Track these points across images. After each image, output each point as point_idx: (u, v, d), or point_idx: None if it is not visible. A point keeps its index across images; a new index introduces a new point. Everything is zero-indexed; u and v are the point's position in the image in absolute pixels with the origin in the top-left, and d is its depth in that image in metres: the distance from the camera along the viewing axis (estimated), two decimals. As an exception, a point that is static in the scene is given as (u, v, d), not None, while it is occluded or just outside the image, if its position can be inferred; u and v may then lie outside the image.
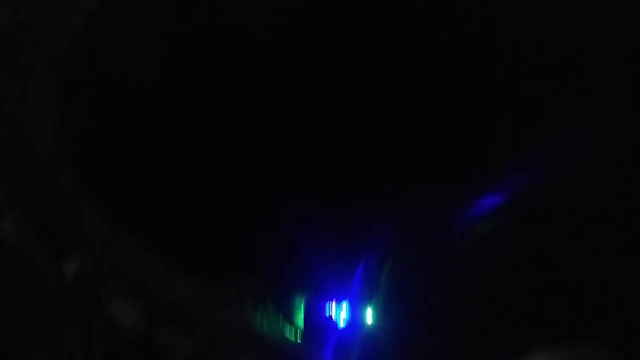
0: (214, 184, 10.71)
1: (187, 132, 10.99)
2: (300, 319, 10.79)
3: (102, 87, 9.38)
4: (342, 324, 10.35)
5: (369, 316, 10.30)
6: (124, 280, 6.98)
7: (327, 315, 10.62)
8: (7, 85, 8.36)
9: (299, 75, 10.74)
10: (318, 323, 10.67)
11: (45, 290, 5.69)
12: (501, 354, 7.77)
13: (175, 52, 10.29)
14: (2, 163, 7.23)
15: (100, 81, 9.44)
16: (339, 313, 10.51)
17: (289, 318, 10.61)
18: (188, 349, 6.42)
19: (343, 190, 10.63)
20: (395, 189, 10.24)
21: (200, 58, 10.65)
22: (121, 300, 6.51)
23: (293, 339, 10.02)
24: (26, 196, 7.04)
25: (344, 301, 10.67)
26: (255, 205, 10.38)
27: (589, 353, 6.39)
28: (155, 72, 10.03)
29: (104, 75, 9.54)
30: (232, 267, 9.46)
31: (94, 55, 9.88)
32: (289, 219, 9.84)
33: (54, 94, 8.68)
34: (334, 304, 10.79)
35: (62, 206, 7.58)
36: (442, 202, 10.08)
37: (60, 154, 8.28)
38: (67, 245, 6.84)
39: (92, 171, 8.50)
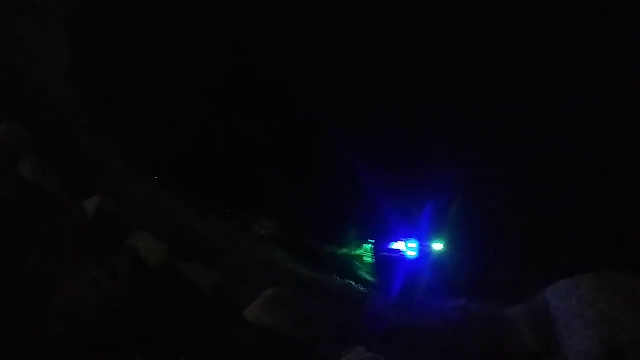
0: (246, 120, 10.62)
1: (215, 68, 10.97)
2: (370, 254, 10.71)
3: (113, 32, 9.68)
4: (410, 257, 10.16)
5: (436, 250, 10.24)
6: (145, 217, 7.33)
7: (396, 250, 10.40)
8: (24, 29, 8.92)
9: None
10: (388, 258, 10.55)
11: (68, 226, 6.23)
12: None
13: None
14: (20, 109, 7.97)
15: (110, 26, 9.74)
16: (408, 248, 10.29)
17: (361, 254, 10.62)
18: (213, 280, 6.54)
19: (414, 133, 10.66)
20: (464, 133, 10.79)
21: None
22: (143, 236, 6.87)
23: (364, 274, 10.04)
24: (44, 140, 7.69)
25: (412, 238, 10.55)
26: (323, 153, 10.43)
27: (614, 280, 6.73)
28: (168, 15, 9.97)
29: (115, 20, 9.81)
30: (266, 208, 9.62)
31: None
32: (361, 163, 9.95)
33: (67, 39, 9.13)
34: (404, 241, 10.72)
35: (81, 147, 8.15)
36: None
37: (76, 99, 8.85)
38: (87, 184, 7.38)
39: (109, 113, 8.94)
